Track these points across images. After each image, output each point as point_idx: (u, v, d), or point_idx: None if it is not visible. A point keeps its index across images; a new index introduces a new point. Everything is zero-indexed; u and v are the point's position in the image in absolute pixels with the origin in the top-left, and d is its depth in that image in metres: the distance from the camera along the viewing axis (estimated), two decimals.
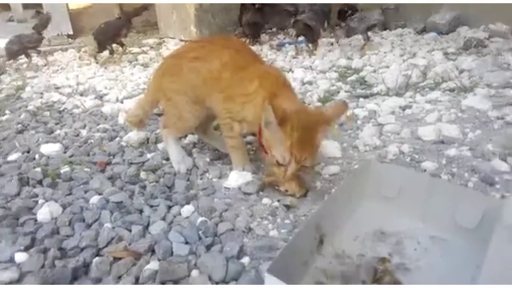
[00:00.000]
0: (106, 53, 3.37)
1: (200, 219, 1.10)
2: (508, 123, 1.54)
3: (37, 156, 1.57)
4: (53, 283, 0.89)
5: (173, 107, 1.38)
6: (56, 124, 1.98)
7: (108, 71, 3.10)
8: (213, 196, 1.23)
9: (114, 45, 3.37)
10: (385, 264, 0.88)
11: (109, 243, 1.02)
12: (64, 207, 1.19)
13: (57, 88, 2.70)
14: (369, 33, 3.08)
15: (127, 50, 3.63)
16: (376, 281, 0.85)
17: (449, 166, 1.29)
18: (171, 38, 4.40)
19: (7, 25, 4.72)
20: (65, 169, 1.43)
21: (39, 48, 3.40)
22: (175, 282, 0.89)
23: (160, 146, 1.60)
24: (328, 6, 3.29)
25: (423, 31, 3.52)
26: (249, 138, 1.59)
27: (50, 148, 1.61)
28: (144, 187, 1.30)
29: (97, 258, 0.97)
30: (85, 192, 1.28)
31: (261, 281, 0.86)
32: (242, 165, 1.34)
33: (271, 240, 1.00)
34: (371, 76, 2.34)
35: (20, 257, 0.97)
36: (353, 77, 2.39)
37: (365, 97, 2.05)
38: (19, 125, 1.96)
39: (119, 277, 0.91)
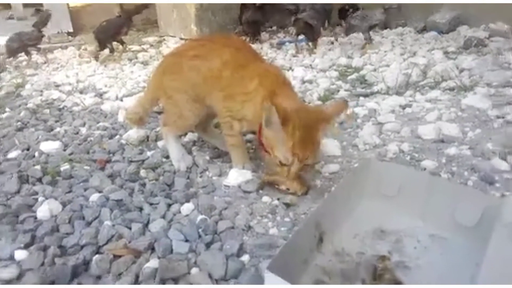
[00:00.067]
0: (106, 51, 3.37)
1: (200, 217, 1.10)
2: (508, 122, 1.54)
3: (37, 154, 1.57)
4: (53, 281, 0.89)
5: (173, 105, 1.38)
6: (56, 121, 1.98)
7: (108, 69, 3.10)
8: (213, 194, 1.23)
9: (114, 43, 3.37)
10: (385, 262, 0.89)
11: (109, 240, 1.02)
12: (64, 204, 1.19)
13: (57, 86, 2.70)
14: (371, 33, 3.07)
15: (127, 48, 3.63)
16: (376, 279, 0.85)
17: (449, 165, 1.29)
18: (171, 36, 4.40)
19: (7, 23, 4.71)
20: (65, 166, 1.43)
21: (39, 46, 3.40)
22: (175, 279, 0.89)
23: (160, 144, 1.60)
24: (329, 5, 3.28)
25: (424, 30, 3.51)
26: (249, 136, 1.59)
27: (50, 146, 1.61)
28: (144, 185, 1.30)
29: (97, 255, 0.97)
30: (85, 190, 1.28)
31: (261, 279, 0.86)
32: (242, 163, 1.34)
33: (271, 238, 1.00)
34: (371, 75, 2.34)
35: (20, 254, 0.97)
36: (353, 76, 2.39)
37: (365, 95, 2.05)
38: (19, 123, 1.96)
39: (119, 275, 0.91)
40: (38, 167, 1.42)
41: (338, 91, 2.15)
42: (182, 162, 1.40)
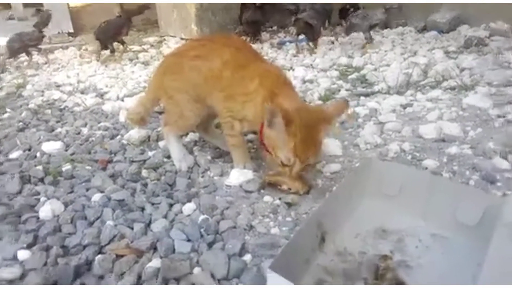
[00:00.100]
0: (107, 51, 3.37)
1: (202, 217, 1.10)
2: (509, 121, 1.54)
3: (38, 154, 1.57)
4: (55, 280, 0.90)
5: (174, 105, 1.38)
6: (57, 122, 1.99)
7: (108, 69, 3.10)
8: (214, 194, 1.24)
9: (115, 44, 3.37)
10: (387, 261, 0.89)
11: (111, 240, 1.02)
12: (66, 205, 1.20)
13: (58, 86, 2.71)
14: (371, 32, 3.07)
15: (127, 48, 3.63)
16: (378, 278, 0.85)
17: (450, 164, 1.29)
18: (172, 36, 4.40)
19: (7, 23, 4.71)
20: (66, 167, 1.43)
21: (40, 46, 3.41)
22: (177, 279, 0.89)
23: (161, 144, 1.60)
24: (329, 4, 3.29)
25: (424, 29, 3.52)
26: (250, 136, 1.59)
27: (51, 146, 1.61)
28: (145, 185, 1.31)
29: (99, 255, 0.97)
30: (87, 190, 1.29)
31: (263, 279, 0.86)
32: (243, 163, 1.34)
33: (273, 238, 1.01)
34: (372, 74, 2.34)
35: (22, 254, 0.97)
36: (354, 76, 2.39)
37: (366, 95, 2.05)
38: (20, 123, 1.96)
39: (122, 275, 0.91)
40: (40, 167, 1.43)
41: (339, 90, 2.15)
42: (183, 162, 1.40)
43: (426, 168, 1.28)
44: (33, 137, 1.77)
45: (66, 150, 1.61)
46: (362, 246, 0.96)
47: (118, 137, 1.72)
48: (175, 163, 1.41)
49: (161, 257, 0.96)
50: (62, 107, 2.23)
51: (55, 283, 0.90)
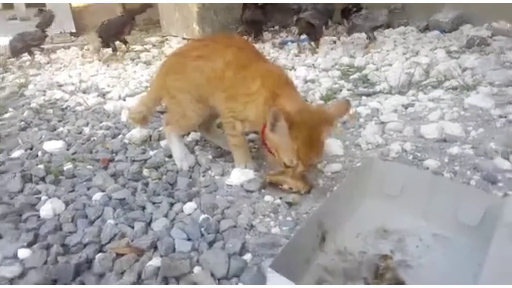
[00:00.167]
0: (108, 50, 3.38)
1: (202, 216, 1.10)
2: (511, 121, 1.53)
3: (40, 153, 1.58)
4: (56, 279, 0.90)
5: (176, 105, 1.38)
6: (59, 121, 1.99)
7: (110, 69, 3.11)
8: (215, 194, 1.24)
9: (117, 43, 3.37)
10: (387, 261, 0.89)
11: (112, 239, 1.02)
12: (67, 203, 1.20)
13: (60, 85, 2.71)
14: (375, 33, 3.07)
15: (130, 48, 3.64)
16: (378, 278, 0.85)
17: (451, 164, 1.29)
18: (174, 36, 4.41)
19: (10, 23, 4.72)
20: (68, 166, 1.43)
21: (42, 46, 3.42)
22: (177, 278, 0.89)
23: (162, 143, 1.60)
24: (331, 4, 3.28)
25: (426, 29, 3.51)
26: (251, 136, 1.59)
27: (53, 145, 1.61)
28: (146, 184, 1.31)
29: (100, 254, 0.97)
30: (88, 189, 1.29)
31: (263, 278, 0.86)
32: (244, 163, 1.34)
33: (273, 237, 1.01)
34: (373, 74, 2.34)
35: (23, 253, 0.97)
36: (356, 75, 2.39)
37: (368, 95, 2.05)
38: (22, 123, 1.97)
39: (122, 273, 0.91)
40: (41, 166, 1.43)
41: (341, 90, 2.15)
42: (184, 162, 1.40)
43: (428, 168, 1.28)
44: (34, 136, 1.78)
45: (67, 149, 1.61)
46: (362, 246, 0.96)
47: (120, 136, 1.72)
48: (176, 162, 1.41)
49: (161, 256, 0.96)
50: (64, 106, 2.23)
51: (55, 281, 0.90)
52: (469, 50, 2.67)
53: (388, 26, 3.72)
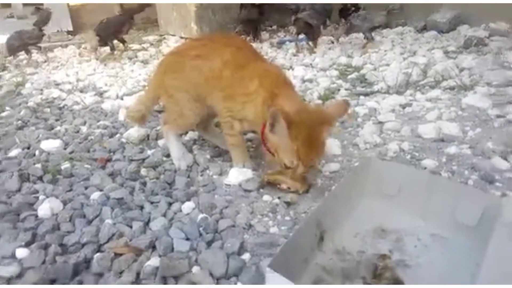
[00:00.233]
0: (106, 49, 3.37)
1: (201, 215, 1.10)
2: (509, 121, 1.54)
3: (37, 152, 1.57)
4: (54, 279, 0.90)
5: (174, 104, 1.38)
6: (56, 120, 1.98)
7: (108, 67, 3.10)
8: (213, 193, 1.24)
9: (114, 42, 3.36)
10: (386, 260, 0.89)
11: (110, 239, 1.02)
12: (64, 203, 1.19)
13: (57, 84, 2.70)
14: (372, 33, 3.07)
15: (127, 47, 3.63)
16: (376, 277, 0.85)
17: (449, 164, 1.29)
18: (171, 35, 4.40)
19: (7, 22, 4.70)
20: (65, 165, 1.43)
21: (39, 45, 3.40)
22: (176, 278, 0.89)
23: (160, 142, 1.60)
24: (329, 4, 3.28)
25: (424, 29, 3.51)
26: (250, 135, 1.59)
27: (50, 144, 1.61)
28: (144, 183, 1.30)
29: (98, 254, 0.97)
30: (86, 188, 1.28)
31: (261, 277, 0.86)
32: (243, 162, 1.34)
33: (272, 237, 1.01)
34: (371, 74, 2.34)
35: (21, 253, 0.97)
36: (354, 75, 2.39)
37: (366, 95, 2.05)
38: (19, 121, 1.96)
39: (120, 273, 0.91)
40: (38, 165, 1.42)
41: (339, 90, 2.15)
42: (182, 161, 1.40)
43: (425, 168, 1.28)
44: (32, 135, 1.77)
45: (65, 149, 1.61)
46: (361, 245, 0.96)
47: (117, 135, 1.72)
48: (174, 161, 1.41)
49: (160, 256, 0.96)
50: (61, 105, 2.23)
51: (54, 281, 0.90)
52: (467, 50, 2.67)
53: (386, 26, 3.72)
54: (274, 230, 1.04)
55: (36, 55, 3.57)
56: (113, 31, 3.31)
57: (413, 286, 0.84)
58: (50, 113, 2.10)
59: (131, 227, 1.07)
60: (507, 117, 1.57)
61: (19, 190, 1.30)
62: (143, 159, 1.47)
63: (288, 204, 1.15)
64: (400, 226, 1.01)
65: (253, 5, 3.55)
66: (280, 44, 3.57)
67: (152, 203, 1.18)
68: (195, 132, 1.64)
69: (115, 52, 3.39)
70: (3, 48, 3.32)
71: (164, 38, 4.32)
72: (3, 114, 2.12)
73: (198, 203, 1.16)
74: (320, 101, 2.00)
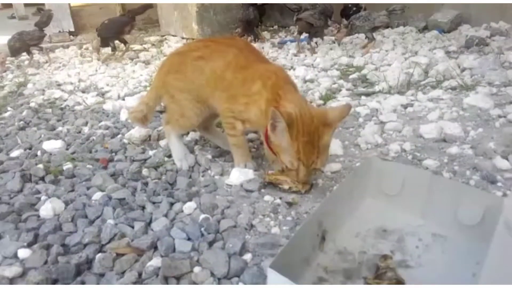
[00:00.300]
0: (107, 50, 3.37)
1: (202, 216, 1.10)
2: (510, 121, 1.54)
3: (39, 153, 1.58)
4: (56, 279, 0.90)
5: (176, 104, 1.39)
6: (58, 121, 1.99)
7: (109, 68, 3.11)
8: (215, 193, 1.24)
9: (116, 42, 3.37)
10: (387, 261, 0.89)
11: (112, 239, 1.02)
12: (66, 203, 1.20)
13: (59, 85, 2.71)
14: (374, 34, 3.06)
15: (129, 47, 3.63)
16: (378, 277, 0.85)
17: (450, 164, 1.29)
18: (173, 35, 4.40)
19: (8, 22, 4.72)
20: (67, 165, 1.43)
21: (41, 45, 3.41)
22: (178, 278, 0.89)
23: (162, 143, 1.60)
24: (331, 4, 3.28)
25: (425, 29, 3.50)
26: (251, 135, 1.59)
27: (52, 145, 1.61)
28: (146, 184, 1.31)
29: (100, 254, 0.97)
30: (88, 188, 1.29)
31: (263, 278, 0.86)
32: (244, 163, 1.34)
33: (273, 237, 1.01)
34: (372, 74, 2.34)
35: (23, 253, 0.97)
36: (355, 75, 2.39)
37: (367, 95, 2.05)
38: (21, 122, 1.96)
39: (122, 273, 0.91)
40: (40, 166, 1.43)
41: (340, 90, 2.15)
42: (184, 161, 1.40)
43: (427, 168, 1.28)
44: (34, 136, 1.77)
45: (67, 149, 1.61)
46: (362, 246, 0.96)
47: (119, 136, 1.72)
48: (176, 162, 1.41)
49: (161, 256, 0.96)
50: (63, 106, 2.23)
51: (56, 281, 0.90)
52: (468, 50, 2.67)
53: (387, 26, 3.71)
54: (276, 230, 1.04)
55: (37, 56, 3.58)
56: (115, 32, 3.31)
57: (415, 286, 0.84)
58: (52, 113, 2.10)
59: (133, 227, 1.07)
60: (509, 117, 1.56)
61: (21, 190, 1.31)
62: (145, 160, 1.47)
63: (290, 204, 1.15)
64: (401, 226, 1.01)
65: (251, 5, 3.55)
66: (281, 44, 3.57)
67: (153, 203, 1.18)
68: (197, 133, 1.65)
69: (117, 53, 3.39)
70: (5, 49, 3.33)
71: (165, 38, 4.32)
72: (5, 114, 2.13)
73: (200, 204, 1.17)
74: (321, 101, 2.00)
